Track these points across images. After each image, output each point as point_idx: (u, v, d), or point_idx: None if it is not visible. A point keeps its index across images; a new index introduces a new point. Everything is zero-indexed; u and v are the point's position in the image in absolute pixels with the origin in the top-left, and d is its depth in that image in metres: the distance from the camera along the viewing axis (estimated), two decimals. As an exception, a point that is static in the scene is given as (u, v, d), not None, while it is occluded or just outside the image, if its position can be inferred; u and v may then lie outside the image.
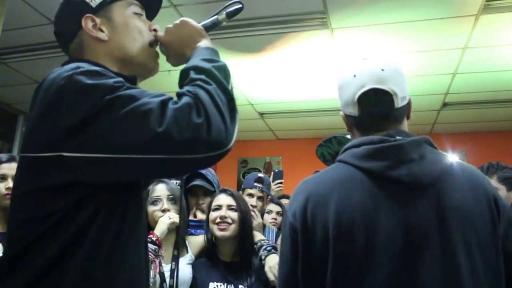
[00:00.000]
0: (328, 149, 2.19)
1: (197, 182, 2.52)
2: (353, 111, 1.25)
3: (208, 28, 1.25)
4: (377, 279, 1.05)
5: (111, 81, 0.98)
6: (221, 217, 2.19)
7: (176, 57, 1.24)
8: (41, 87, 1.03)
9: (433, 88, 4.73)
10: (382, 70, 1.23)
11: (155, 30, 1.25)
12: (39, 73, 4.35)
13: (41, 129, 0.98)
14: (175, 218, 2.10)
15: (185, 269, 2.16)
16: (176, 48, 1.22)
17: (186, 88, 1.02)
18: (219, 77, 1.05)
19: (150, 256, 2.00)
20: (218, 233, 2.17)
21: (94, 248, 0.98)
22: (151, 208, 2.17)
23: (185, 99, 0.97)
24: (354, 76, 1.25)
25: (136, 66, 1.20)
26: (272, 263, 2.07)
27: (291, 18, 3.47)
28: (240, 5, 1.28)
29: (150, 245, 2.03)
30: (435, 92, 4.86)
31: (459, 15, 3.35)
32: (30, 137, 1.02)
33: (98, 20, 1.17)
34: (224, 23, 1.29)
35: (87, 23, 1.17)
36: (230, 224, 2.19)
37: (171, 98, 0.99)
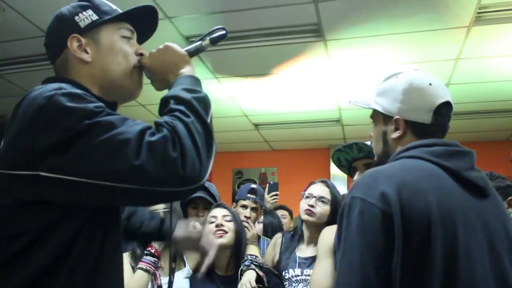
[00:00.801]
0: (347, 155, 2.20)
1: (199, 194, 2.51)
2: (425, 117, 1.27)
3: (192, 53, 1.25)
4: (475, 275, 1.08)
5: (91, 105, 0.98)
6: (217, 225, 2.22)
7: (159, 82, 1.23)
8: (21, 104, 1.03)
9: (427, 99, 4.76)
10: (446, 85, 1.31)
11: (141, 54, 1.24)
12: (35, 85, 4.29)
13: (19, 147, 0.97)
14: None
15: (183, 283, 2.16)
16: (159, 73, 1.21)
17: (165, 118, 1.01)
18: (199, 109, 1.04)
19: (150, 268, 2.01)
20: (215, 240, 2.19)
21: (73, 273, 0.97)
22: None
23: (163, 132, 0.97)
24: (430, 84, 1.29)
25: (118, 90, 1.20)
26: (244, 280, 2.08)
27: (285, 30, 3.49)
28: (224, 32, 1.29)
29: (149, 257, 2.04)
30: (428, 103, 4.88)
31: (451, 27, 3.39)
32: (7, 154, 1.00)
33: (84, 40, 1.17)
34: (208, 49, 1.30)
35: (72, 43, 1.16)
36: (226, 232, 2.22)
37: (149, 128, 0.99)
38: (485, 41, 3.58)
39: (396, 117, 1.30)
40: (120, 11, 1.24)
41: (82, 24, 1.17)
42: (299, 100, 4.92)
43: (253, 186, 2.96)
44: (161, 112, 1.07)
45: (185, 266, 2.25)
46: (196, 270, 2.28)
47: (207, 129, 1.03)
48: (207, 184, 2.55)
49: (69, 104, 0.96)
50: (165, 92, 1.13)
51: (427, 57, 3.88)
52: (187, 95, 1.06)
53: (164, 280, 2.07)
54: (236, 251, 2.24)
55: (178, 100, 1.05)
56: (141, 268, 2.01)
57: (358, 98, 1.45)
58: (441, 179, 1.15)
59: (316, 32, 3.51)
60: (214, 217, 2.29)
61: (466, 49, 3.72)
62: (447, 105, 1.29)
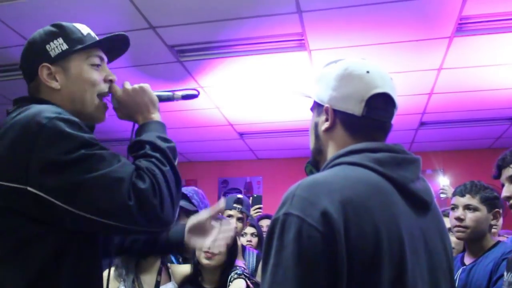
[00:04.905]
0: None
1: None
2: (355, 108, 1.09)
3: (162, 99, 1.36)
4: None
5: (87, 136, 1.06)
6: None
7: (124, 114, 1.32)
8: (15, 118, 1.08)
9: (410, 108, 4.81)
10: (391, 79, 1.15)
11: (111, 80, 1.29)
12: (16, 93, 4.24)
13: (12, 159, 1.03)
14: None
15: None
16: (128, 109, 1.30)
17: (144, 163, 1.11)
18: (172, 159, 1.16)
19: None
20: (204, 261, 2.17)
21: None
22: None
23: (147, 179, 1.07)
24: (368, 72, 1.12)
25: (84, 116, 1.23)
26: (235, 287, 2.05)
27: (269, 40, 3.50)
28: (197, 94, 1.42)
29: None
30: (412, 112, 4.93)
31: (434, 37, 3.43)
32: None
33: (53, 69, 1.22)
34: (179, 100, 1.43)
35: (42, 72, 1.21)
36: (217, 254, 2.16)
37: (135, 169, 1.08)
38: (467, 51, 3.63)
39: (325, 105, 1.13)
40: (93, 34, 1.29)
41: (52, 54, 1.22)
42: (284, 109, 4.93)
43: (239, 196, 2.95)
44: (133, 151, 1.19)
45: (170, 280, 2.23)
46: (182, 285, 2.25)
47: (178, 178, 1.16)
48: (190, 192, 2.52)
49: (68, 130, 1.04)
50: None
51: (410, 67, 3.92)
52: (162, 144, 1.18)
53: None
54: (225, 268, 2.21)
55: (155, 147, 1.16)
56: None
57: (299, 88, 1.30)
58: (388, 194, 0.99)
59: (300, 41, 3.53)
60: None
61: (449, 59, 3.76)
62: (384, 97, 1.11)
